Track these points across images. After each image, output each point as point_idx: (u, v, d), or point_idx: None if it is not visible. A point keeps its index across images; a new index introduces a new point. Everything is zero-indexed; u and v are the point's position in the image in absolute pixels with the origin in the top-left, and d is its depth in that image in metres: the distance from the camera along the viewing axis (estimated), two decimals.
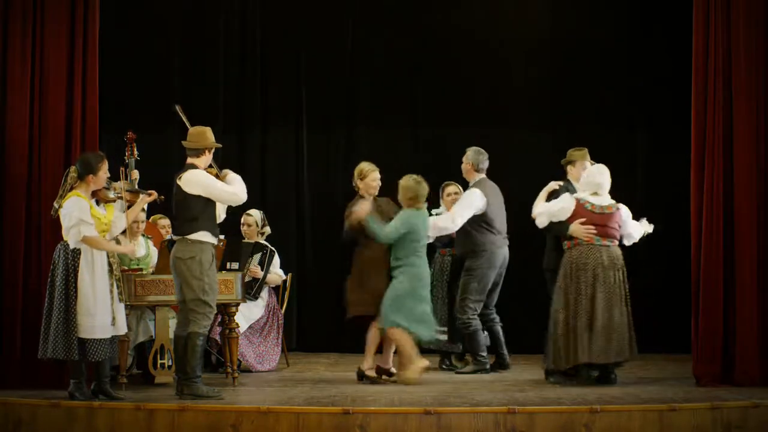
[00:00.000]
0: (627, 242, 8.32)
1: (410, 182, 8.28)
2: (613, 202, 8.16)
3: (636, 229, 8.31)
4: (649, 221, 8.32)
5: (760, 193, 8.01)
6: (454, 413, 6.80)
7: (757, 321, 7.95)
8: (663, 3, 10.55)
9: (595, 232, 8.04)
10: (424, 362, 8.18)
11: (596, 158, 8.62)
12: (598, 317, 7.91)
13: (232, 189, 7.61)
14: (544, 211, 8.26)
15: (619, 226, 8.15)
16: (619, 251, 8.12)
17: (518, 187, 9.25)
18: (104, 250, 7.40)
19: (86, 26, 8.21)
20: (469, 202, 8.82)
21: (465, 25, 10.91)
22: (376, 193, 8.54)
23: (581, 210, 8.08)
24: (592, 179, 8.19)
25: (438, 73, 10.96)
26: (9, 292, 8.02)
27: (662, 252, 10.65)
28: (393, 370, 8.39)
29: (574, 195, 8.23)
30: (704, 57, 8.12)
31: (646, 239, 8.49)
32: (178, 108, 7.98)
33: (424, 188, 8.27)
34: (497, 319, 9.07)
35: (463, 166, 9.02)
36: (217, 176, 7.72)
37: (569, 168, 8.68)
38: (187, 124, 7.82)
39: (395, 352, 8.40)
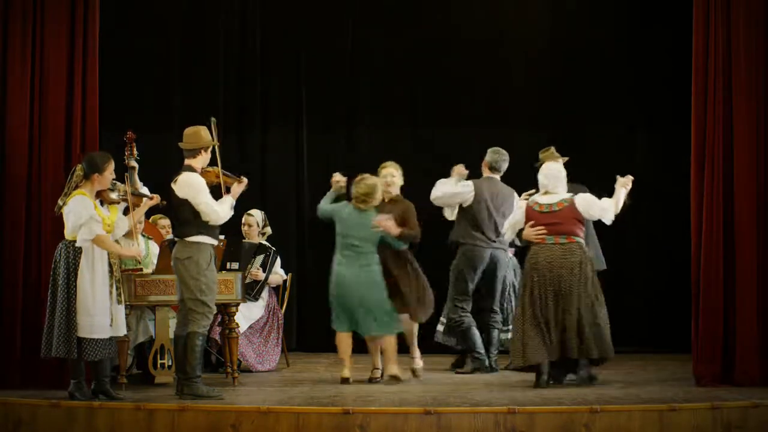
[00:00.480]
0: (606, 220, 8.14)
1: (355, 180, 8.35)
2: (567, 196, 8.09)
3: (605, 205, 8.11)
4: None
5: (760, 193, 8.01)
6: (454, 413, 6.79)
7: (757, 321, 7.94)
8: (663, 3, 10.55)
9: (544, 231, 8.01)
10: (346, 374, 8.19)
11: (596, 158, 8.63)
12: (550, 317, 7.90)
13: (213, 206, 7.50)
14: (507, 225, 8.34)
15: (578, 219, 8.07)
16: (577, 247, 7.99)
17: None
18: (111, 251, 7.41)
19: (86, 26, 8.21)
20: (454, 183, 8.92)
21: (465, 25, 10.91)
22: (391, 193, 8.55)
23: (530, 213, 8.08)
24: (539, 180, 8.22)
25: (438, 73, 10.96)
26: (9, 292, 8.01)
27: (662, 252, 10.66)
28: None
29: (530, 199, 8.23)
30: (704, 57, 8.11)
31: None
32: (212, 122, 7.86)
33: (359, 188, 8.27)
34: (496, 319, 9.07)
35: (482, 163, 9.08)
36: (219, 176, 7.69)
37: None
38: (219, 164, 7.76)
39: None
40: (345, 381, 8.17)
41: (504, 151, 9.07)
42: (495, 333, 9.05)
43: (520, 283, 8.16)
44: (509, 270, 9.28)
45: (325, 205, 8.45)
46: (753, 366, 7.90)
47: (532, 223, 8.03)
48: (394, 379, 8.20)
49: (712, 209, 8.03)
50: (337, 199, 8.49)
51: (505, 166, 9.06)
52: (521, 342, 7.92)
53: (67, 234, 7.38)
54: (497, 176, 9.05)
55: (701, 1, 8.14)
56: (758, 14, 8.05)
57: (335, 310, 8.33)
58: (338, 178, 8.55)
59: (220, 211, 7.54)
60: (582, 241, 8.08)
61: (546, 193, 8.12)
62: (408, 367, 8.46)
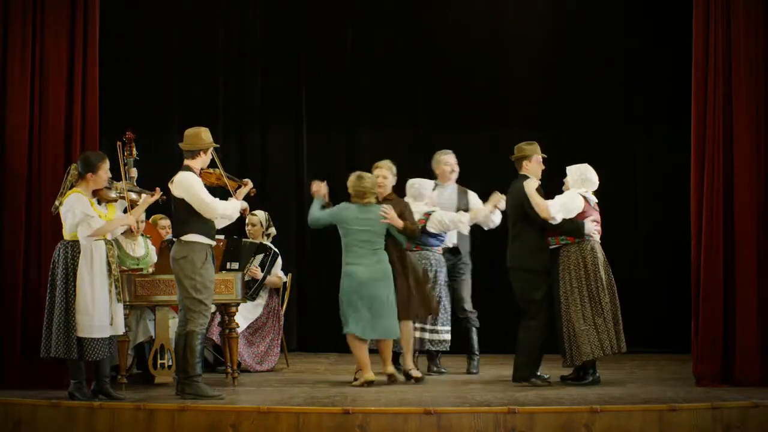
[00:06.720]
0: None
1: (352, 178, 8.25)
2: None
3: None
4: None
5: (760, 194, 8.01)
6: (454, 413, 6.80)
7: (757, 321, 7.94)
8: (663, 3, 10.55)
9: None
10: (371, 377, 8.04)
11: (596, 158, 8.62)
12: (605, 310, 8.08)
13: (211, 201, 7.47)
14: (560, 208, 8.13)
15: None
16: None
17: None
18: (112, 230, 7.42)
19: (86, 26, 8.22)
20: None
21: (465, 25, 10.92)
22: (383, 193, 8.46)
23: (588, 206, 8.18)
24: (585, 175, 8.25)
25: (438, 73, 10.97)
26: (9, 292, 8.01)
27: (662, 252, 10.66)
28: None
29: (579, 191, 8.22)
30: (704, 56, 8.11)
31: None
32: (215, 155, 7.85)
33: (365, 183, 8.20)
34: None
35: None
36: (219, 179, 7.68)
37: (525, 163, 8.39)
38: (220, 167, 7.76)
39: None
40: (370, 384, 8.03)
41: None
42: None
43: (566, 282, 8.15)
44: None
45: (316, 213, 8.28)
46: (753, 366, 7.90)
47: (593, 217, 8.16)
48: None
49: (712, 209, 8.03)
50: (323, 207, 8.36)
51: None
52: (587, 338, 8.02)
53: (66, 234, 7.38)
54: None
55: (701, 1, 8.15)
56: (758, 14, 8.05)
57: (354, 314, 8.06)
58: (317, 187, 8.37)
59: (216, 205, 7.48)
60: None
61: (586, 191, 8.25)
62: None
